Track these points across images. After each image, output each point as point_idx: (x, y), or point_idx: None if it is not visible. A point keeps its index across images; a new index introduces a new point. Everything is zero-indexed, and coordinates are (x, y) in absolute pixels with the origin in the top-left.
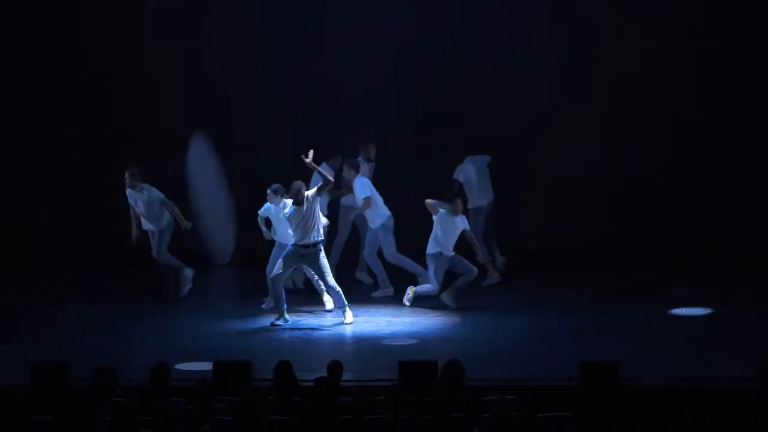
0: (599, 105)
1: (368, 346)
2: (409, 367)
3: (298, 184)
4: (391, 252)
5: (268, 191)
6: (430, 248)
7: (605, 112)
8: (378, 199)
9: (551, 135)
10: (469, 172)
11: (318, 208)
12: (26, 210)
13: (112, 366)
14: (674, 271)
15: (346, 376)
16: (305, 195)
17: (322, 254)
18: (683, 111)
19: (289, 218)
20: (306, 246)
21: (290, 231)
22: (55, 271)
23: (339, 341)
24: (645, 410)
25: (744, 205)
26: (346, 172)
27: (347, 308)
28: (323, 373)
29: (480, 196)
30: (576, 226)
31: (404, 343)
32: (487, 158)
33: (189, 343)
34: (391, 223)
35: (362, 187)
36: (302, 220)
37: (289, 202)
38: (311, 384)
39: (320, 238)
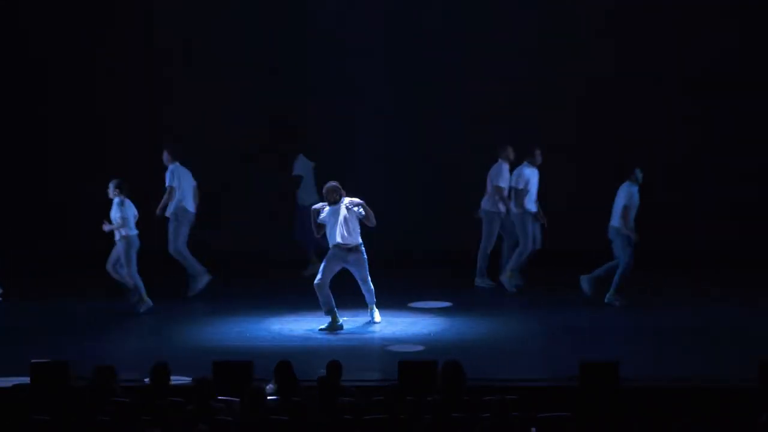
0: (598, 105)
1: (368, 346)
2: (409, 367)
3: (332, 184)
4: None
5: (110, 184)
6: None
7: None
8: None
9: (547, 134)
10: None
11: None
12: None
13: (112, 366)
14: (674, 271)
15: (346, 376)
16: (341, 197)
17: (365, 256)
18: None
19: (325, 217)
20: (350, 248)
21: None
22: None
23: (339, 341)
24: (645, 410)
25: (743, 205)
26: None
27: (375, 308)
28: (323, 373)
29: (310, 194)
30: (575, 226)
31: (409, 350)
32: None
33: (189, 343)
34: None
35: None
36: (341, 220)
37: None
38: (311, 384)
39: (360, 240)
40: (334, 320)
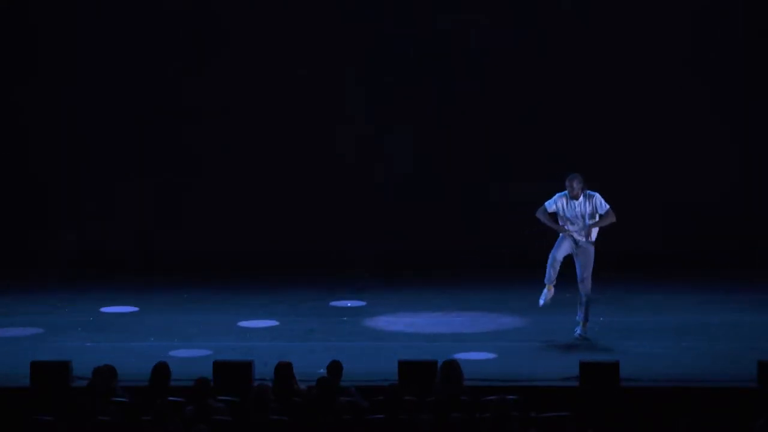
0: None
1: (369, 345)
2: (409, 367)
3: (577, 175)
4: None
5: None
6: None
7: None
8: None
9: (542, 135)
10: None
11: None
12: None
13: (112, 366)
14: (673, 272)
15: (346, 376)
16: (580, 194)
17: (592, 250)
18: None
19: (564, 211)
20: (578, 241)
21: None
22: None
23: (339, 341)
24: (645, 410)
25: (738, 205)
26: None
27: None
28: (323, 373)
29: None
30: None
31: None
32: None
33: (190, 343)
34: None
35: None
36: (580, 216)
37: None
38: (311, 384)
39: (594, 238)
40: (550, 290)
